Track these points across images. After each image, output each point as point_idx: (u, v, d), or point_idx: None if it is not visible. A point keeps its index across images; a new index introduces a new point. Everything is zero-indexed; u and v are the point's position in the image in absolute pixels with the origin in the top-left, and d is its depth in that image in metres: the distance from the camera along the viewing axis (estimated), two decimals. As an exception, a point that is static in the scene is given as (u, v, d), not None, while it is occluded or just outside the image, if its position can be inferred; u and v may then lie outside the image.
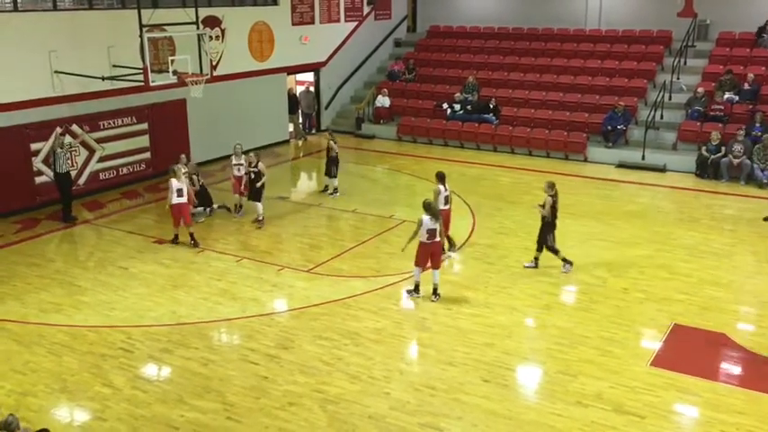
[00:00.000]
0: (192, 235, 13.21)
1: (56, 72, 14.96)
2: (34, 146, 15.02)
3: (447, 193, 12.37)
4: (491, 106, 21.06)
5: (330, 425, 7.91)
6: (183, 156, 14.73)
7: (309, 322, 10.32)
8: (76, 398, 8.47)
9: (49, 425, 7.43)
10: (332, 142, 16.11)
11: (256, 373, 8.96)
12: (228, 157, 16.34)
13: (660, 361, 9.20)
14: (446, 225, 12.19)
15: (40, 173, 15.17)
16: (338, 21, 23.33)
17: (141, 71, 14.24)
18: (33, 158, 15.06)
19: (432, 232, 10.65)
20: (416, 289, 11.05)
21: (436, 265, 10.94)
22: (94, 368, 9.08)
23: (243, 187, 14.63)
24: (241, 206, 14.86)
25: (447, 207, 12.35)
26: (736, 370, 9.25)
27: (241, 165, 14.56)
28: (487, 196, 16.31)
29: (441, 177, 12.33)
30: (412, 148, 21.29)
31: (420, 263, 10.91)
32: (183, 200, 12.94)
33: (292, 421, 7.97)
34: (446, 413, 8.11)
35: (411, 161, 19.53)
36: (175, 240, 13.28)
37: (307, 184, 19.00)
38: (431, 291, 10.96)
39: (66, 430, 7.89)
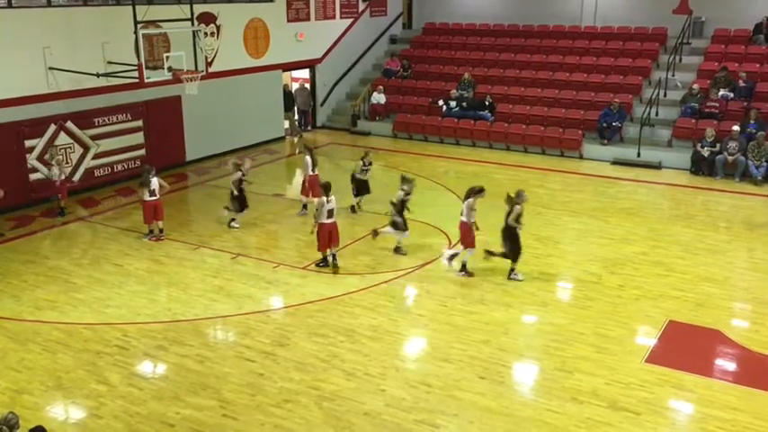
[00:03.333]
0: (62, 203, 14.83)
1: (50, 68, 14.92)
2: (28, 143, 14.97)
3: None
4: (487, 103, 21.07)
5: (326, 422, 7.91)
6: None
7: (305, 319, 10.32)
8: (72, 395, 8.45)
9: (44, 422, 7.39)
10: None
11: (252, 371, 8.95)
12: (224, 154, 16.38)
13: (655, 357, 9.22)
14: (335, 240, 11.94)
15: (34, 170, 15.12)
16: (333, 17, 23.30)
17: (136, 68, 14.20)
18: (27, 155, 14.99)
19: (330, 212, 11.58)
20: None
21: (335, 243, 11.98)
22: (90, 365, 9.06)
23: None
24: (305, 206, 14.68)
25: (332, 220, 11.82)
26: (731, 366, 9.27)
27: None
28: (483, 193, 16.29)
29: (328, 187, 11.72)
30: (407, 145, 21.29)
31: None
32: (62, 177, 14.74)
33: (288, 418, 7.96)
34: (442, 410, 8.11)
35: (407, 158, 19.51)
36: (62, 213, 14.73)
37: (302, 181, 18.91)
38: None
39: (61, 428, 7.87)
